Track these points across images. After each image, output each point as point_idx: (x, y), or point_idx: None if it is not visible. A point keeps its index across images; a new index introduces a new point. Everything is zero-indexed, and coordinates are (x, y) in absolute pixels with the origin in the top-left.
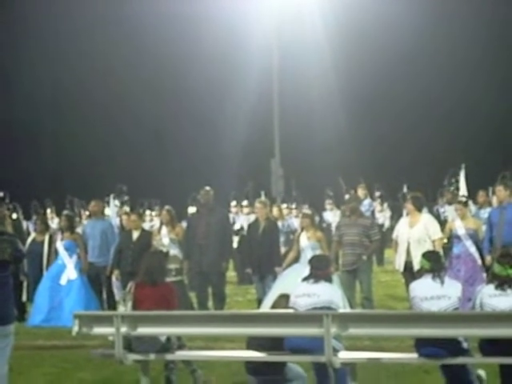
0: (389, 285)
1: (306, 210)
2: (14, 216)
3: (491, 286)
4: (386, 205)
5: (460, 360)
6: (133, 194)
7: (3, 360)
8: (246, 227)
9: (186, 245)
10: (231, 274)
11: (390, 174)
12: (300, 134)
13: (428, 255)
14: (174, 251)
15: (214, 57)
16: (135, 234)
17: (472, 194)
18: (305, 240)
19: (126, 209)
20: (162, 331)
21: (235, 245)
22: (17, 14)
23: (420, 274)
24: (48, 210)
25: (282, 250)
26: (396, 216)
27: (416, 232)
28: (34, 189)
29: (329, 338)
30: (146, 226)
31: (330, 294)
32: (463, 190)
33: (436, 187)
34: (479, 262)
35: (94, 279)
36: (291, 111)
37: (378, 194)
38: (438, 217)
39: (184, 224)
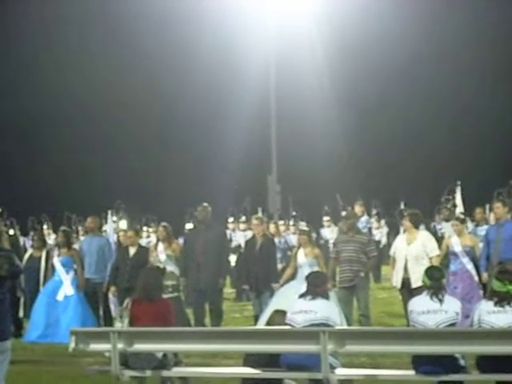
0: (386, 302)
1: (304, 227)
2: (11, 232)
3: (490, 303)
4: (383, 221)
5: (457, 377)
6: (130, 211)
7: (0, 376)
8: (243, 244)
9: (183, 261)
10: (228, 290)
11: (387, 190)
12: (297, 150)
13: (430, 272)
14: (171, 268)
15: (210, 74)
16: (132, 251)
17: (469, 211)
18: (302, 257)
19: (123, 225)
20: (159, 347)
21: (233, 263)
22: (12, 18)
23: (420, 289)
24: (45, 226)
25: (279, 266)
26: (393, 233)
27: (414, 249)
28: (31, 205)
29: (325, 355)
30: (143, 242)
31: (327, 310)
32: (460, 207)
33: (433, 204)
34: (476, 278)
35: (91, 295)
36: (289, 127)
37: (374, 211)
38: (434, 234)
39: (181, 240)
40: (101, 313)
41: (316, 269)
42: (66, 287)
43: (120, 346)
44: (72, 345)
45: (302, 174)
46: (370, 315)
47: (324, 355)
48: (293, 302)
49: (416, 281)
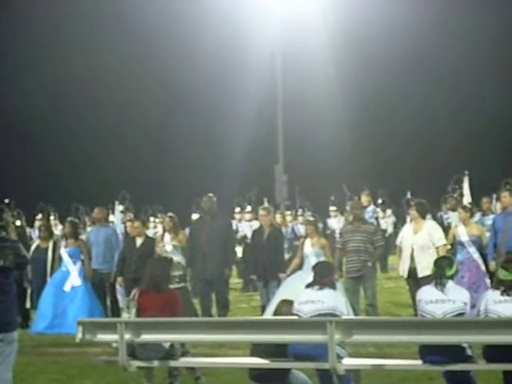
0: (393, 291)
1: (310, 217)
2: (18, 223)
3: (496, 292)
4: (389, 211)
5: (464, 367)
6: (137, 201)
7: (7, 367)
8: (249, 235)
9: (188, 252)
10: (235, 280)
11: (393, 180)
12: (304, 140)
13: (438, 262)
14: (177, 258)
15: (217, 63)
16: (139, 241)
17: (476, 201)
18: (309, 247)
19: (130, 215)
20: (166, 338)
21: (239, 254)
22: (16, 16)
23: (427, 279)
24: (51, 217)
25: (286, 256)
26: (400, 222)
27: (420, 238)
28: (38, 195)
29: (333, 345)
30: (150, 232)
31: (334, 300)
32: (467, 196)
33: (439, 193)
34: (483, 268)
35: (98, 286)
36: (295, 117)
37: (380, 200)
38: (441, 223)
39: (188, 231)
40: (108, 303)
41: (323, 259)
42: (73, 278)
43: (127, 336)
44: (79, 335)
45: (308, 164)
46: (376, 305)
47: (331, 345)
48: (300, 292)
49: (422, 270)
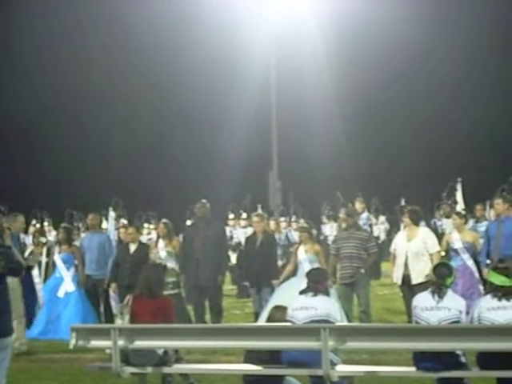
0: (386, 298)
1: (304, 224)
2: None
3: (489, 299)
4: (382, 218)
5: (458, 373)
6: (131, 207)
7: (1, 373)
8: (243, 241)
9: (182, 258)
10: (229, 287)
11: (387, 187)
12: (298, 146)
13: (437, 270)
14: (171, 264)
15: (211, 69)
16: (132, 247)
17: (469, 208)
18: (302, 253)
19: (124, 222)
20: (160, 344)
21: (234, 261)
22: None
23: (421, 286)
24: (45, 223)
25: (279, 263)
26: (394, 229)
27: (414, 245)
28: (32, 202)
29: (326, 352)
30: (144, 238)
31: (327, 307)
32: (461, 203)
33: (433, 200)
34: (477, 275)
35: (92, 292)
36: (289, 124)
37: (373, 207)
38: (435, 230)
39: (182, 237)
40: (101, 309)
41: (316, 265)
42: (67, 284)
43: (121, 342)
44: (73, 341)
45: (302, 171)
46: (370, 312)
47: (325, 352)
48: (293, 299)
49: (416, 277)
